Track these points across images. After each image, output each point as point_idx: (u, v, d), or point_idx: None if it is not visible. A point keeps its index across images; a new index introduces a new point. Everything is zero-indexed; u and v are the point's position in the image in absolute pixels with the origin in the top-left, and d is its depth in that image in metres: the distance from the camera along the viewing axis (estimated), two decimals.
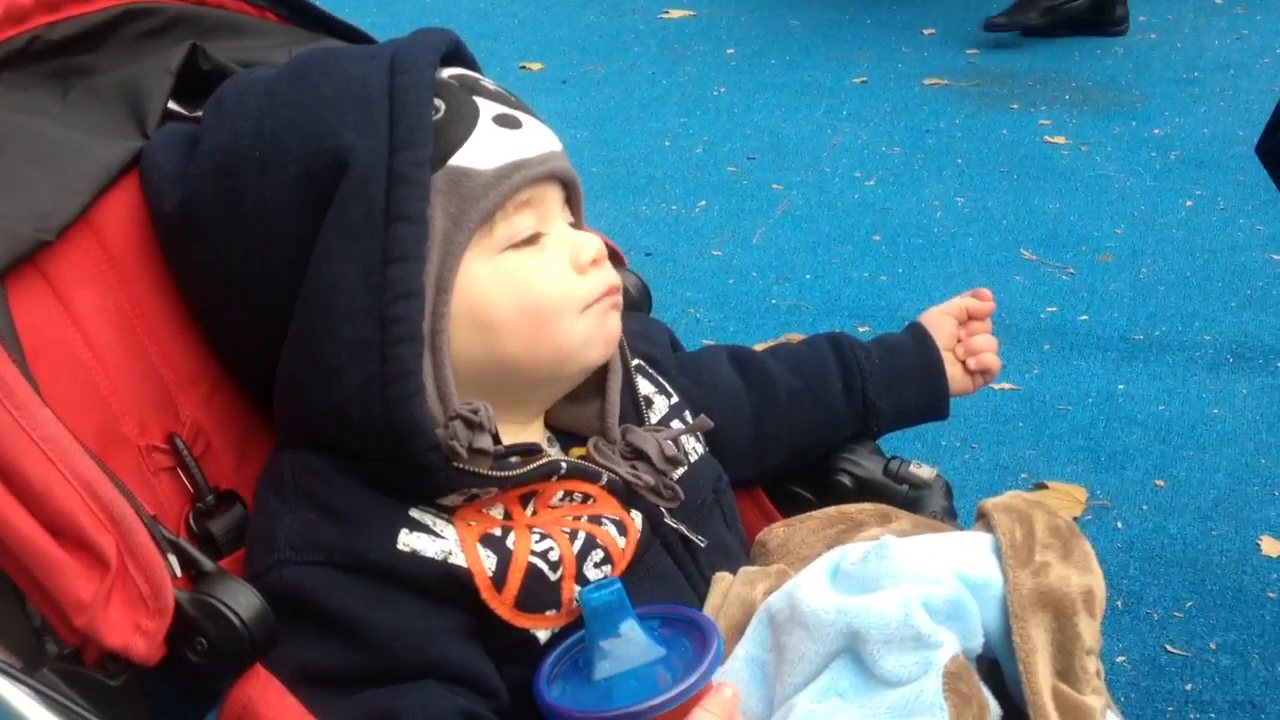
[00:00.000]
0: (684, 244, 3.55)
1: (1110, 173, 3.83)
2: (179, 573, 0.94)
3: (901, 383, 1.29)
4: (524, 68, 4.87)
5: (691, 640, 0.96)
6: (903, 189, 3.80)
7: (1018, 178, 3.82)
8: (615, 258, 1.33)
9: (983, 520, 1.00)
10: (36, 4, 1.09)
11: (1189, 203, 3.62)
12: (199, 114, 1.10)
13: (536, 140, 1.05)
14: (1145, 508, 2.49)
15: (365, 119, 0.99)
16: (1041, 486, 2.55)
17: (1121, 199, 3.68)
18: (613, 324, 1.08)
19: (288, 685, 0.94)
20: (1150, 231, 3.50)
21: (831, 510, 1.08)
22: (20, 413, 0.91)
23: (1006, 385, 2.86)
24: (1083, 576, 0.95)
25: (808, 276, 3.36)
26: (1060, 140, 4.04)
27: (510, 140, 1.03)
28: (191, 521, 1.04)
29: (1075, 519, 2.48)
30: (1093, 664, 0.92)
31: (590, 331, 1.06)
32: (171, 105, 1.13)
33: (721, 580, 1.05)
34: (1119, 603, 2.27)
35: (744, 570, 1.03)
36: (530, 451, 1.04)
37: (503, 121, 1.03)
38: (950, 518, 1.16)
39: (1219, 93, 4.31)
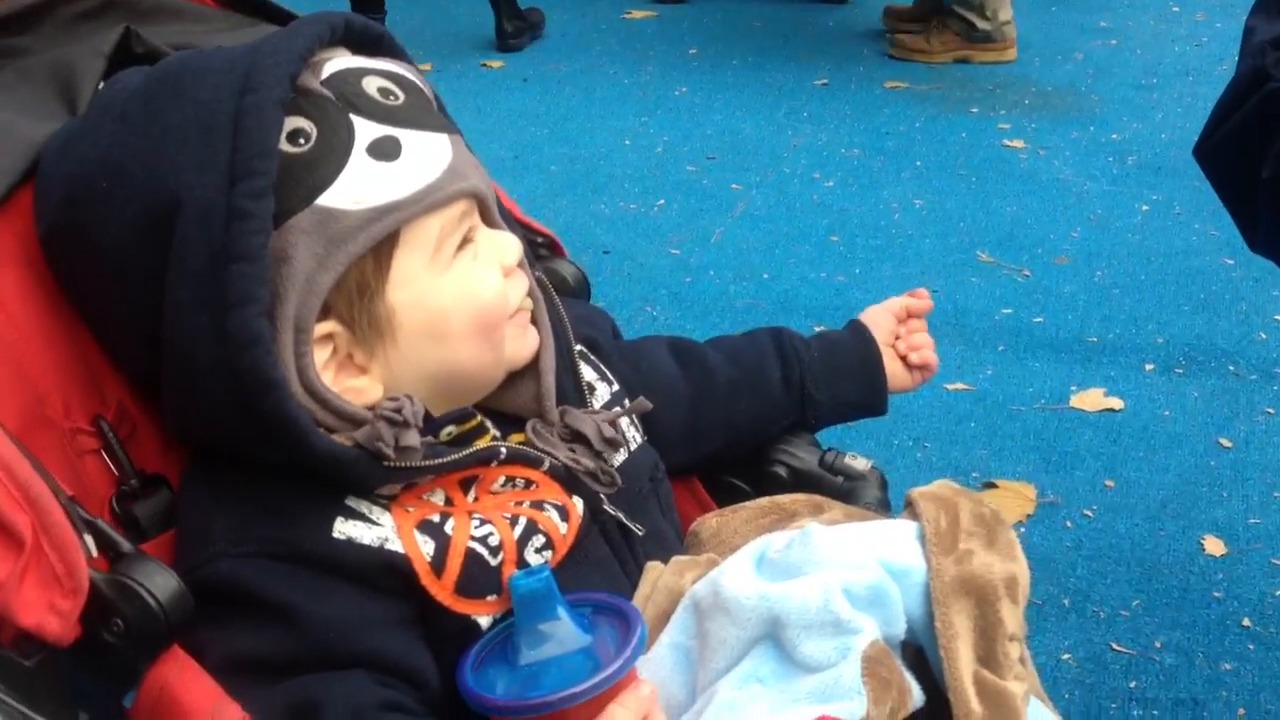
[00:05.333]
0: (642, 242, 3.55)
1: (1068, 177, 3.86)
2: (95, 553, 0.93)
3: (840, 375, 1.29)
4: (485, 65, 4.85)
5: (618, 629, 0.96)
6: (861, 190, 3.81)
7: (976, 181, 3.84)
8: (554, 248, 1.32)
9: (910, 509, 1.01)
10: None
11: (1145, 207, 3.65)
12: None
13: (419, 170, 0.99)
14: (1094, 507, 2.51)
15: (206, 150, 0.94)
16: (991, 485, 2.56)
17: (1079, 203, 3.71)
18: (532, 333, 1.09)
19: (219, 673, 0.94)
20: (1106, 235, 3.53)
21: (765, 501, 1.08)
22: None
23: (960, 385, 2.88)
24: (1006, 564, 0.95)
25: (765, 276, 3.36)
26: (1019, 144, 4.06)
27: (385, 176, 0.97)
28: (116, 505, 1.02)
29: (1026, 518, 2.49)
30: (1015, 650, 0.92)
31: (517, 340, 1.07)
32: (103, 88, 1.11)
33: (652, 569, 1.05)
34: (1066, 601, 2.28)
35: (675, 559, 1.03)
36: (464, 419, 1.03)
37: (379, 150, 0.98)
38: (884, 509, 1.16)
39: (1177, 98, 4.34)
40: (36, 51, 1.10)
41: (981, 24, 4.62)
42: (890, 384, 1.31)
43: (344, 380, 1.01)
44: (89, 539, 0.93)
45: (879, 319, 1.33)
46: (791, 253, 3.47)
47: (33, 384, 1.00)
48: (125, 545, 0.93)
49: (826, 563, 0.91)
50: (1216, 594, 2.28)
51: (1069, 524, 2.47)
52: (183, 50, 1.11)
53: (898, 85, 4.53)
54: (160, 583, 0.91)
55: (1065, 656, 2.16)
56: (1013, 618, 0.92)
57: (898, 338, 1.33)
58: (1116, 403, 2.80)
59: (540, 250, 1.32)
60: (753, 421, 1.28)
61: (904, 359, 1.32)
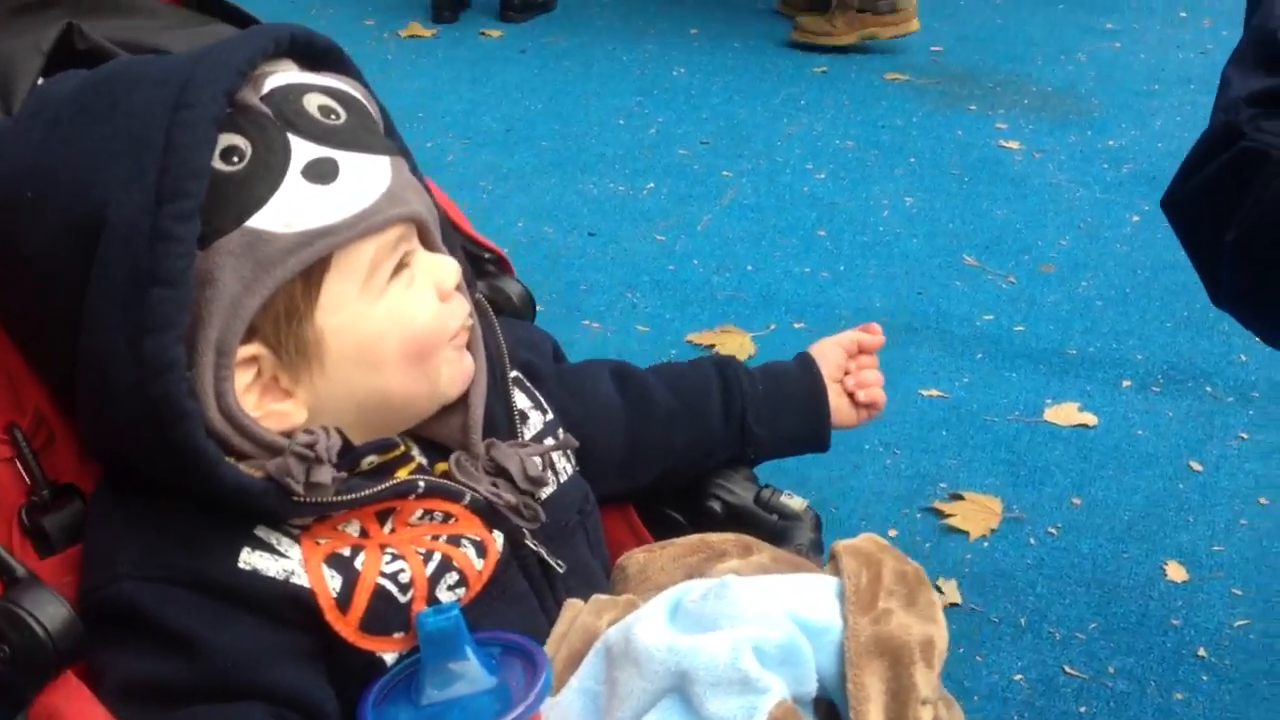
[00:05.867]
0: (628, 226, 3.52)
1: (1061, 182, 3.83)
2: None
3: (782, 410, 1.28)
4: (484, 34, 4.80)
5: (526, 671, 0.95)
6: (852, 184, 3.78)
7: (968, 181, 3.81)
8: (502, 264, 1.30)
9: (834, 562, 0.99)
10: None
11: (1136, 218, 3.62)
12: None
13: (354, 194, 0.97)
14: (1060, 525, 2.49)
15: (135, 166, 0.92)
16: (958, 497, 2.54)
17: (1069, 209, 3.68)
18: (468, 359, 1.08)
19: (115, 697, 0.93)
20: (1094, 244, 3.50)
21: (694, 538, 1.07)
22: None
23: (935, 392, 2.86)
24: (924, 626, 0.94)
25: (749, 268, 3.34)
26: (1014, 145, 4.03)
27: (319, 199, 0.95)
28: (24, 516, 1.00)
29: (990, 532, 2.48)
30: (927, 714, 0.90)
31: (454, 365, 1.06)
32: (39, 88, 1.07)
33: (571, 607, 1.04)
34: (1023, 620, 2.27)
35: (594, 599, 1.02)
36: (386, 449, 1.02)
37: (315, 172, 0.96)
38: (816, 551, 1.15)
39: (1177, 106, 4.31)
40: None
41: None
42: (834, 419, 1.30)
43: (267, 404, 0.99)
44: None
45: (828, 353, 1.31)
46: (777, 245, 3.45)
47: None
48: (20, 570, 0.92)
49: (741, 617, 0.90)
50: (1175, 621, 2.27)
51: (1033, 541, 2.46)
52: (127, 47, 1.08)
53: (898, 77, 4.49)
54: (50, 612, 0.90)
55: (1017, 677, 2.15)
56: (926, 681, 0.91)
57: (846, 373, 1.31)
58: (1090, 418, 2.79)
59: (488, 267, 1.30)
60: (690, 453, 1.26)
61: (851, 395, 1.31)
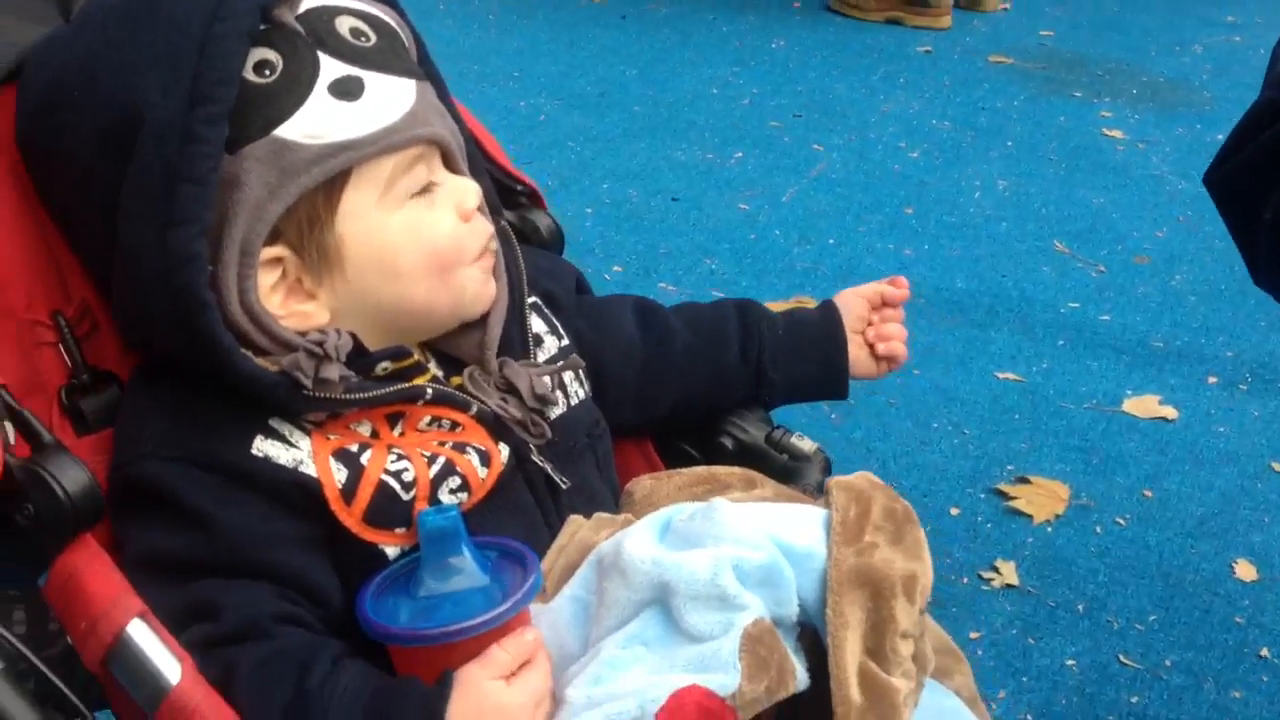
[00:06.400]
0: (712, 193, 3.50)
1: (1164, 173, 3.72)
2: (12, 439, 0.96)
3: (800, 357, 1.28)
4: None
5: (518, 574, 0.97)
6: (945, 165, 3.71)
7: (1066, 168, 3.72)
8: (534, 197, 1.32)
9: (826, 496, 0.98)
10: None
11: None
12: None
13: (378, 111, 1.01)
14: (1128, 516, 2.42)
15: (171, 72, 0.97)
16: (1024, 481, 2.49)
17: (1170, 202, 3.57)
18: (492, 282, 1.11)
19: (133, 566, 0.98)
20: (1192, 239, 3.39)
21: (701, 470, 1.09)
22: None
23: (1011, 375, 2.80)
24: (908, 562, 0.93)
25: (831, 241, 3.29)
26: (1118, 134, 3.92)
27: (344, 115, 1.00)
28: (64, 396, 1.05)
29: (1055, 517, 2.42)
30: (906, 648, 0.89)
31: (478, 284, 1.09)
32: None
33: (572, 523, 1.06)
34: (1080, 606, 2.21)
35: (596, 516, 1.04)
36: (400, 356, 1.05)
37: (341, 89, 1.00)
38: (822, 493, 1.13)
39: None
40: None
41: None
42: (853, 370, 1.30)
43: (292, 304, 1.03)
44: (8, 425, 0.96)
45: (852, 304, 1.31)
46: (862, 220, 3.40)
47: None
48: (47, 437, 0.96)
49: (725, 538, 0.91)
50: (1238, 619, 2.19)
51: (1098, 529, 2.39)
52: None
53: (1003, 60, 4.40)
54: (71, 475, 0.94)
55: (1070, 662, 2.10)
56: (906, 615, 0.90)
57: (869, 324, 1.30)
58: (1170, 412, 2.70)
59: (519, 199, 1.32)
60: (705, 389, 1.27)
61: (872, 347, 1.30)
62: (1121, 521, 2.41)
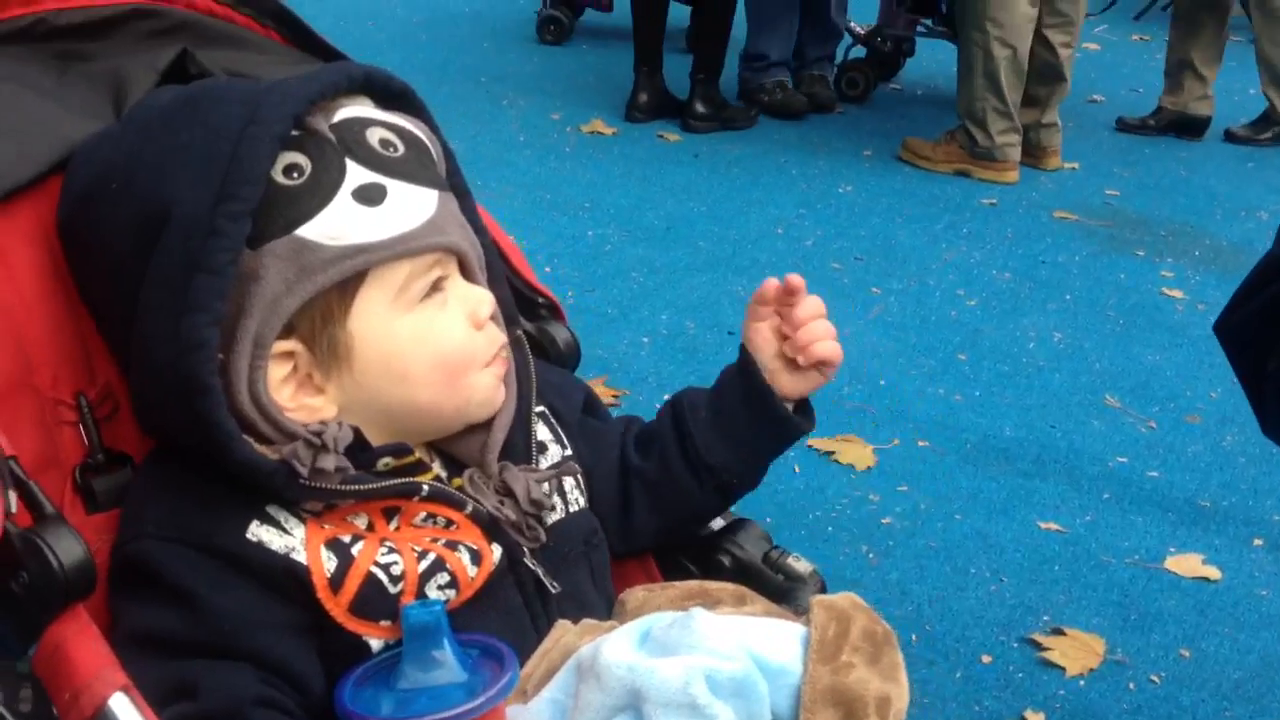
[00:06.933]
0: None
1: None
2: (14, 508, 0.99)
3: (734, 425, 1.23)
4: (661, 137, 4.96)
5: (496, 672, 0.99)
6: (1002, 314, 3.75)
7: (1124, 324, 3.74)
8: (555, 311, 1.37)
9: (808, 614, 1.01)
10: None
11: None
12: None
13: (398, 217, 1.05)
14: (1163, 674, 2.39)
15: (203, 170, 1.01)
16: (1059, 632, 2.47)
17: (1225, 363, 3.55)
18: (502, 389, 1.14)
19: (123, 642, 1.00)
20: (1246, 401, 3.37)
21: (693, 584, 1.11)
22: None
23: (1054, 526, 2.80)
24: (884, 684, 0.94)
25: (882, 382, 3.34)
26: (1178, 294, 3.94)
27: (365, 219, 1.04)
28: (78, 475, 1.10)
29: (1088, 671, 2.40)
30: None
31: (489, 388, 1.12)
32: (140, 100, 1.17)
33: (560, 627, 1.08)
34: None
35: (583, 622, 1.07)
36: (400, 453, 1.09)
37: (365, 195, 1.04)
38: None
39: None
40: (104, 58, 1.20)
41: (982, 140, 4.66)
42: (793, 395, 1.22)
43: (301, 398, 1.07)
44: (12, 494, 0.98)
45: (757, 334, 1.23)
46: (915, 363, 3.44)
47: (26, 352, 1.09)
48: (49, 509, 0.99)
49: (700, 647, 0.92)
50: None
51: (1132, 685, 2.37)
52: (232, 75, 1.20)
53: (1067, 216, 4.46)
54: (66, 546, 0.96)
55: None
56: None
57: (785, 338, 1.22)
58: (1214, 572, 2.68)
59: (540, 311, 1.36)
60: (676, 512, 1.26)
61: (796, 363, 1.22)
62: (1156, 680, 2.38)
